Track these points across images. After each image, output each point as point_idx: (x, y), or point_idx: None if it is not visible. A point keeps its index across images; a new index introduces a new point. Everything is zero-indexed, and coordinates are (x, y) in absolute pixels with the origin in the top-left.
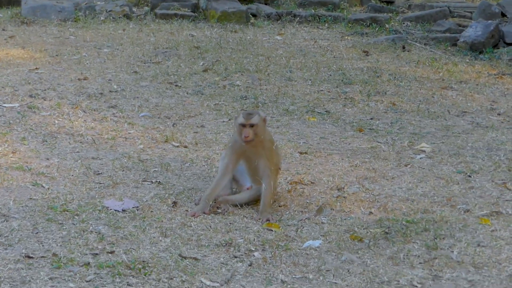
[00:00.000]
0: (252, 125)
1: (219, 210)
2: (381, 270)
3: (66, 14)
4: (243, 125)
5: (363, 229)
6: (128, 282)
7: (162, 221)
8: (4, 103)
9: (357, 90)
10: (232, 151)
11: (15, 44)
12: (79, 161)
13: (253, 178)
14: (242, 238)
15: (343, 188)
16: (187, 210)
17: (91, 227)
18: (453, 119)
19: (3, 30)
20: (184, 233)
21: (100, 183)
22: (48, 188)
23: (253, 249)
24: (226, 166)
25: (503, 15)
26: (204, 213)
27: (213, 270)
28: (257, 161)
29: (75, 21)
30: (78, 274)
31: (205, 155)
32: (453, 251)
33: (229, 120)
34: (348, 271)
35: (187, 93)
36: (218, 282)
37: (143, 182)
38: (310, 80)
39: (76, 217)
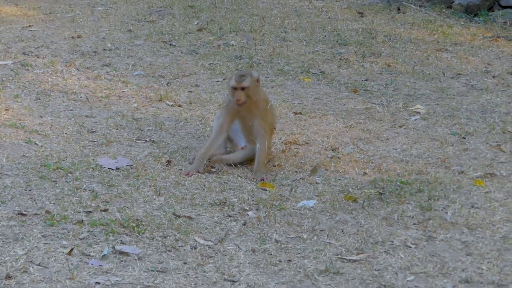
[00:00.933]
0: (243, 88)
1: (213, 170)
2: (375, 231)
3: None
4: (235, 88)
5: (357, 189)
6: (121, 240)
7: (156, 179)
8: None
9: (352, 51)
10: (226, 111)
11: (8, 1)
12: (73, 119)
13: (247, 138)
14: (236, 198)
15: (338, 148)
16: (181, 169)
17: (84, 185)
18: (448, 81)
19: None
20: (178, 192)
21: (94, 141)
22: (42, 146)
23: (247, 209)
24: (221, 126)
25: None
26: (198, 172)
27: (207, 229)
28: (251, 121)
29: None
30: (71, 232)
31: (199, 114)
32: (447, 212)
33: (224, 79)
34: (342, 231)
35: (182, 52)
36: (212, 241)
37: (137, 141)
38: (305, 40)
39: (69, 175)
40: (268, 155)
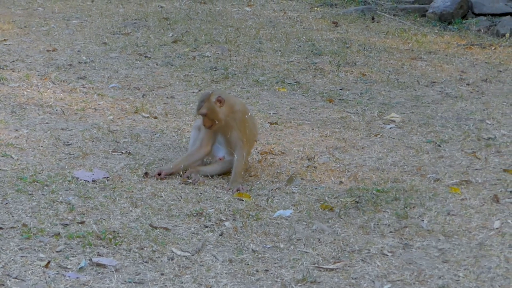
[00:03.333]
0: (203, 115)
1: (190, 180)
2: (352, 239)
3: None
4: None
5: (334, 198)
6: (98, 252)
7: (133, 191)
8: None
9: (327, 61)
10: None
11: None
12: (49, 132)
13: (226, 149)
14: (212, 208)
15: (314, 158)
16: (158, 175)
17: (61, 198)
18: (423, 89)
19: None
20: (155, 203)
21: (70, 154)
22: (18, 159)
23: (224, 219)
24: (202, 140)
25: None
26: (167, 174)
27: (184, 240)
28: (229, 133)
29: None
30: (48, 244)
31: (175, 126)
32: (423, 220)
33: (199, 91)
34: (319, 240)
35: (157, 64)
36: (189, 251)
37: (113, 153)
38: (280, 51)
39: (45, 187)
40: (245, 166)
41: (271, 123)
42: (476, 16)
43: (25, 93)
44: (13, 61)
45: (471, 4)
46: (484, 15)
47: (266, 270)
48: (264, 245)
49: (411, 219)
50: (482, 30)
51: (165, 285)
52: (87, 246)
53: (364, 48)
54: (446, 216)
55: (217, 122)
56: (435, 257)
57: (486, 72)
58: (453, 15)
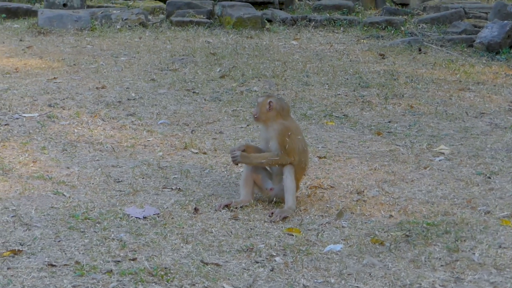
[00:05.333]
0: (254, 115)
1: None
2: (403, 273)
3: (82, 23)
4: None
5: (384, 232)
6: None
7: (183, 227)
8: (23, 113)
9: (375, 93)
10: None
11: (33, 54)
12: (99, 169)
13: (273, 179)
14: (263, 243)
15: (363, 191)
16: (209, 216)
17: (112, 235)
18: (471, 121)
19: (21, 40)
20: (206, 239)
21: (121, 191)
22: (69, 197)
23: (275, 254)
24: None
25: None
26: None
27: (235, 276)
28: (270, 142)
29: (91, 30)
30: (101, 282)
31: (224, 161)
32: (474, 253)
33: (247, 125)
34: (370, 274)
35: (205, 99)
36: (240, 287)
37: (163, 189)
38: (327, 84)
39: (97, 225)
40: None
41: (319, 157)
42: None
43: (75, 130)
44: (63, 99)
45: None
46: None
47: None
48: (315, 280)
49: (462, 253)
50: None
51: None
52: (140, 282)
53: (412, 80)
54: (498, 249)
55: (260, 117)
56: None
57: None
58: (500, 45)
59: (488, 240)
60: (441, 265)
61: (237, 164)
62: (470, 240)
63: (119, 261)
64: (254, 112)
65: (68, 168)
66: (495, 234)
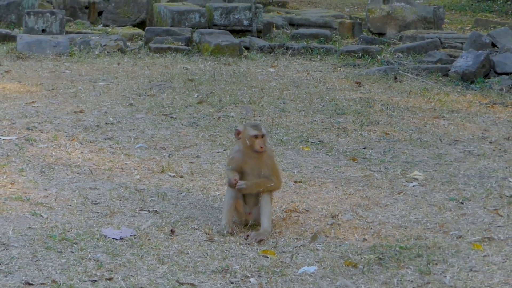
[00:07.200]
0: (263, 135)
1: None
2: None
3: (61, 49)
4: (256, 136)
5: (357, 255)
6: None
7: (160, 248)
8: (2, 135)
9: (350, 120)
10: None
11: (11, 79)
12: (77, 191)
13: (249, 203)
14: (238, 265)
15: (337, 215)
16: (184, 238)
17: (89, 255)
18: (445, 148)
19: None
20: (181, 260)
21: (98, 213)
22: (47, 218)
23: (249, 275)
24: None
25: (493, 45)
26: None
27: None
28: (262, 170)
29: (70, 55)
30: None
31: (201, 185)
32: (446, 276)
33: (224, 150)
34: None
35: (182, 124)
36: None
37: (140, 211)
38: (304, 111)
39: (74, 245)
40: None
41: (295, 182)
42: (498, 75)
43: (53, 153)
44: (42, 123)
45: (493, 63)
46: (507, 74)
47: None
48: None
49: (434, 275)
50: (504, 89)
51: None
52: None
53: (387, 107)
54: (469, 272)
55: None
56: None
57: (509, 131)
58: (475, 74)
59: (460, 264)
60: None
61: (234, 187)
62: (442, 263)
63: (95, 280)
64: (262, 143)
65: (45, 190)
66: (467, 258)
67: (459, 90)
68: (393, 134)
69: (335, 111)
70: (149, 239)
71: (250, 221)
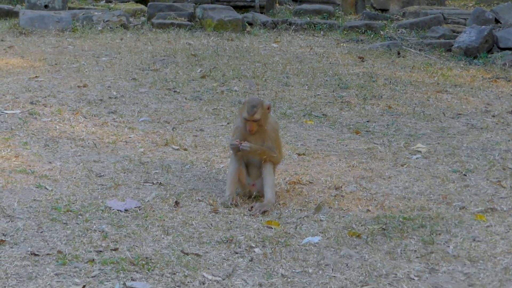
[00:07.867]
0: (255, 120)
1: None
2: (379, 264)
3: (64, 24)
4: (247, 120)
5: (361, 225)
6: (132, 277)
7: (164, 220)
8: (5, 109)
9: (353, 94)
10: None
11: (14, 54)
12: (81, 164)
13: (252, 174)
14: (242, 235)
15: (341, 187)
16: (189, 210)
17: (94, 226)
18: (448, 121)
19: (2, 40)
20: (186, 231)
21: (102, 185)
22: (52, 190)
23: (254, 246)
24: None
25: (496, 21)
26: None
27: (214, 266)
28: (264, 142)
29: (73, 31)
30: (83, 270)
31: (205, 157)
32: (449, 246)
33: (228, 123)
34: (347, 265)
35: (186, 98)
36: (220, 276)
37: (144, 183)
38: (307, 85)
39: (79, 217)
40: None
41: (299, 154)
42: (501, 50)
43: (57, 127)
44: (45, 97)
45: (496, 38)
46: (510, 49)
47: None
48: (293, 270)
49: (437, 245)
50: (507, 64)
51: None
52: (121, 271)
53: (390, 82)
54: (472, 242)
55: (259, 129)
56: (460, 281)
57: None
58: (478, 50)
59: (463, 234)
60: (416, 257)
61: (238, 151)
62: (445, 233)
63: (100, 251)
64: (253, 127)
65: (50, 163)
66: (470, 228)
67: (462, 65)
68: (396, 107)
69: (338, 85)
70: (153, 211)
71: (254, 193)
